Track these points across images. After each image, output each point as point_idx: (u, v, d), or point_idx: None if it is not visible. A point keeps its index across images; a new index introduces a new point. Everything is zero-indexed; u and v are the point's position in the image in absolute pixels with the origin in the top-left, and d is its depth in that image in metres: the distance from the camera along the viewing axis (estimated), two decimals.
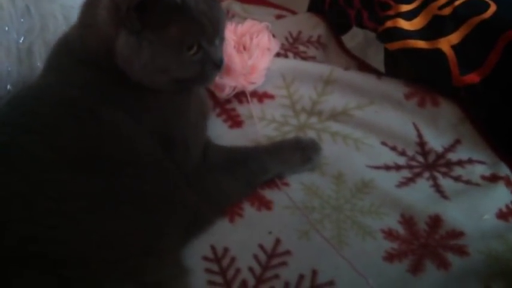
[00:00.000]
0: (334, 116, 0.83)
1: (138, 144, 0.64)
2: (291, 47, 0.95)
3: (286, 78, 0.87)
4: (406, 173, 0.77)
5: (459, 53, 0.79)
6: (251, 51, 0.84)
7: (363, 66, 0.93)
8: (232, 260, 0.66)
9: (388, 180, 0.75)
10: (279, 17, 1.05)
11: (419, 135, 0.80)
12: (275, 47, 0.89)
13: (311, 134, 0.81)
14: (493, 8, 0.79)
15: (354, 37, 1.05)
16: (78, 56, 0.66)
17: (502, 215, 0.71)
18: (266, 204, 0.72)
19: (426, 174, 0.76)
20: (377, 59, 1.01)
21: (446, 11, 0.80)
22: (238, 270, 0.65)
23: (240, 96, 0.84)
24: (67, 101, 0.63)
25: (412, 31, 0.82)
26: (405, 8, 0.83)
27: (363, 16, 0.93)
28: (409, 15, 0.83)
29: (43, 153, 0.58)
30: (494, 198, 0.73)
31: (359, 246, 0.68)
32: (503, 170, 0.76)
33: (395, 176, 0.76)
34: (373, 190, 0.74)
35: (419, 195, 0.74)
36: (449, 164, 0.77)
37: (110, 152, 0.61)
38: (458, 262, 0.65)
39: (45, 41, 0.83)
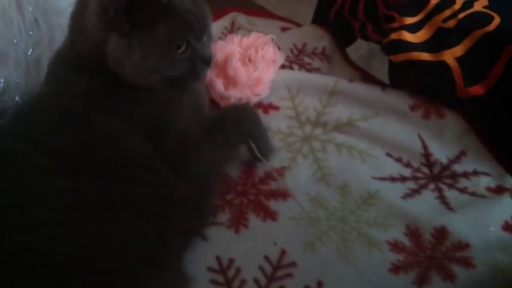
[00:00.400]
0: (339, 127, 0.83)
1: (131, 147, 0.64)
2: (296, 59, 0.95)
3: (291, 90, 0.88)
4: (411, 185, 0.77)
5: (463, 65, 0.79)
6: (256, 63, 0.85)
7: (368, 78, 0.94)
8: (238, 271, 0.66)
9: (393, 192, 0.75)
10: (284, 29, 1.06)
11: (425, 147, 0.80)
12: (280, 59, 0.90)
13: (316, 145, 0.81)
14: (497, 20, 0.79)
15: (358, 49, 1.06)
16: (72, 63, 0.67)
17: (507, 227, 0.71)
18: (271, 215, 0.72)
19: (431, 186, 0.76)
20: (381, 71, 1.01)
21: (451, 23, 0.81)
22: (243, 282, 0.65)
23: None
24: (61, 108, 0.63)
25: (417, 43, 0.82)
26: (409, 20, 0.83)
27: (368, 28, 0.94)
28: (414, 28, 0.83)
29: (40, 161, 0.58)
30: (500, 210, 0.73)
31: (365, 258, 0.68)
32: (509, 181, 0.76)
33: (400, 188, 0.76)
34: (379, 201, 0.74)
35: (425, 207, 0.74)
36: (455, 176, 0.77)
37: (105, 157, 0.61)
38: (464, 274, 0.65)
39: (53, 53, 0.85)
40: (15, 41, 0.82)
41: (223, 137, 0.72)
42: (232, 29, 1.05)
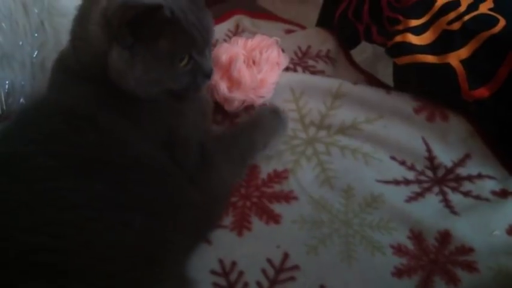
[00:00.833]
0: (343, 130, 0.83)
1: (137, 148, 0.64)
2: (300, 62, 0.95)
3: (295, 92, 0.87)
4: (415, 188, 0.76)
5: (468, 67, 0.79)
6: (260, 65, 0.85)
7: (372, 81, 0.93)
8: (240, 274, 0.66)
9: (397, 195, 0.75)
10: (288, 31, 1.06)
11: (429, 150, 0.80)
12: (284, 61, 0.90)
13: (320, 148, 0.81)
14: (502, 23, 0.79)
15: (363, 52, 1.05)
16: (73, 70, 0.67)
17: None
18: (274, 218, 0.72)
19: (435, 189, 0.76)
20: (386, 74, 1.01)
21: (456, 26, 0.80)
22: (246, 285, 0.65)
23: (249, 109, 0.85)
24: (66, 111, 0.64)
25: (421, 46, 0.82)
26: (414, 23, 0.83)
27: (372, 31, 0.93)
28: (418, 30, 0.83)
29: (45, 162, 0.58)
30: (505, 213, 0.72)
31: (368, 262, 0.67)
32: None
33: (404, 191, 0.76)
34: (382, 205, 0.74)
35: (429, 211, 0.73)
36: (459, 179, 0.77)
37: (112, 158, 0.62)
38: (468, 278, 0.65)
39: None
40: (21, 43, 0.83)
41: (242, 154, 0.74)
42: (237, 31, 1.05)
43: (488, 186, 0.76)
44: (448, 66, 0.80)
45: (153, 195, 0.62)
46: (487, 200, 0.74)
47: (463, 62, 0.79)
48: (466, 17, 0.80)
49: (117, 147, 0.63)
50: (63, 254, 0.54)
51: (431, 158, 0.80)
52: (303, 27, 1.08)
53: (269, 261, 0.67)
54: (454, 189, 0.76)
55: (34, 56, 0.85)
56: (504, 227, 0.70)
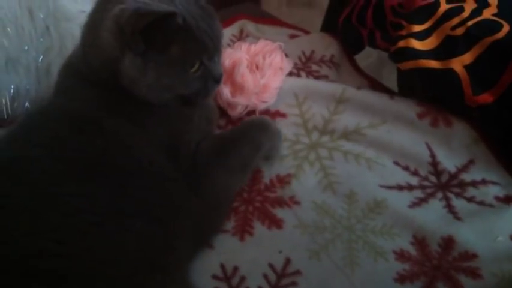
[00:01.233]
0: (346, 135, 0.83)
1: (142, 154, 0.64)
2: (303, 66, 0.95)
3: (298, 97, 0.88)
4: (418, 193, 0.76)
5: (472, 73, 0.79)
6: (264, 70, 0.85)
7: (376, 86, 0.93)
8: (242, 279, 0.66)
9: (400, 201, 0.75)
10: (292, 36, 1.06)
11: (432, 155, 0.80)
12: (288, 66, 0.90)
13: (323, 153, 0.81)
14: (506, 28, 0.78)
15: (368, 57, 1.05)
16: (83, 76, 0.68)
17: None
18: (277, 223, 0.72)
19: (439, 195, 0.76)
20: (391, 79, 1.01)
21: (459, 31, 0.80)
22: None
23: (252, 114, 0.85)
24: (72, 115, 0.64)
25: (425, 51, 0.82)
26: (417, 28, 0.83)
27: (376, 36, 0.93)
28: (422, 36, 0.83)
29: (50, 166, 0.59)
30: (509, 219, 0.71)
31: (370, 267, 0.67)
32: None
33: (407, 196, 0.75)
34: (385, 210, 0.73)
35: (432, 216, 0.73)
36: (463, 185, 0.76)
37: (116, 163, 0.62)
38: (471, 285, 0.65)
39: (63, 60, 0.86)
40: (26, 47, 0.84)
41: (241, 161, 0.73)
42: (241, 36, 1.06)
43: (492, 192, 0.75)
44: (451, 71, 0.80)
45: (155, 201, 0.62)
46: (490, 205, 0.74)
47: (466, 67, 0.79)
48: (470, 23, 0.80)
49: (121, 152, 0.63)
50: (65, 258, 0.54)
51: (435, 164, 0.79)
52: (307, 32, 1.09)
53: (271, 266, 0.67)
54: (457, 195, 0.76)
55: (39, 60, 0.86)
56: (508, 233, 0.70)
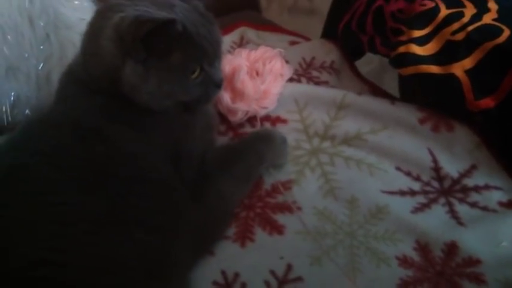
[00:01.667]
0: (348, 140, 0.83)
1: (143, 161, 0.64)
2: (304, 73, 0.95)
3: (299, 103, 0.87)
4: (421, 199, 0.75)
5: (473, 78, 0.78)
6: (264, 76, 0.85)
7: (377, 91, 0.93)
8: (243, 285, 0.65)
9: (402, 206, 0.74)
10: (292, 43, 1.06)
11: (435, 161, 0.79)
12: (288, 72, 0.90)
13: (324, 158, 0.80)
14: (506, 33, 0.78)
15: (369, 63, 1.05)
16: (83, 84, 0.68)
17: None
18: (278, 229, 0.71)
19: (442, 200, 0.75)
20: (393, 85, 1.01)
21: (460, 36, 0.80)
22: None
23: (253, 120, 0.85)
24: (72, 123, 0.64)
25: (425, 56, 0.82)
26: (418, 33, 0.83)
27: (376, 42, 0.93)
28: (422, 41, 0.83)
29: (49, 174, 0.59)
30: None
31: (373, 274, 0.66)
32: None
33: (410, 202, 0.75)
34: (388, 216, 0.73)
35: (435, 222, 0.72)
36: (465, 190, 0.76)
37: (116, 171, 0.62)
38: None
39: (63, 68, 0.86)
40: (26, 55, 0.84)
41: (245, 171, 0.73)
42: (241, 43, 1.06)
43: (495, 197, 0.75)
44: (452, 76, 0.80)
45: (156, 209, 0.62)
46: (494, 211, 0.73)
47: (467, 72, 0.79)
48: (470, 28, 0.80)
49: (121, 160, 0.63)
50: (63, 267, 0.53)
51: (437, 169, 0.79)
52: (307, 39, 1.09)
53: (272, 272, 0.66)
54: (460, 200, 0.75)
55: (39, 68, 0.86)
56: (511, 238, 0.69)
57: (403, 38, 0.84)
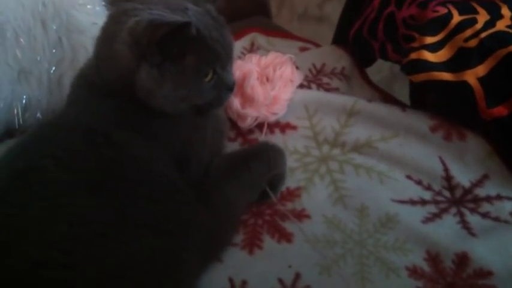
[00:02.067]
0: (358, 148, 0.82)
1: (153, 165, 0.64)
2: (314, 79, 0.95)
3: (309, 109, 0.87)
4: (432, 208, 0.74)
5: (486, 85, 0.77)
6: (274, 82, 0.85)
7: (387, 99, 0.92)
8: None
9: (413, 215, 0.73)
10: (303, 49, 1.06)
11: (446, 170, 0.78)
12: (298, 78, 0.90)
13: (334, 166, 0.80)
14: None
15: (380, 71, 1.05)
16: (95, 88, 0.68)
17: None
18: (286, 237, 0.71)
19: (453, 210, 0.74)
20: (403, 94, 1.00)
21: (472, 43, 0.79)
22: None
23: (262, 126, 0.84)
24: (83, 126, 0.64)
25: (437, 63, 0.81)
26: (430, 40, 0.82)
27: (387, 48, 0.93)
28: (434, 47, 0.82)
29: (58, 177, 0.59)
30: None
31: (382, 284, 0.65)
32: None
33: (420, 211, 0.74)
34: (398, 225, 0.72)
35: (446, 232, 0.71)
36: (477, 200, 0.75)
37: (125, 175, 0.62)
38: None
39: (75, 72, 0.86)
40: (39, 58, 0.84)
41: (251, 177, 0.72)
42: (252, 49, 1.06)
43: (507, 207, 0.73)
44: (465, 84, 0.79)
45: (165, 213, 0.62)
46: (506, 221, 0.72)
47: (480, 79, 0.78)
48: (483, 34, 0.79)
49: (131, 163, 0.63)
50: (72, 269, 0.53)
51: (448, 178, 0.78)
52: (317, 45, 1.08)
53: (280, 281, 0.65)
54: (472, 210, 0.74)
55: (51, 71, 0.87)
56: None
57: (415, 44, 0.83)
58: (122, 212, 0.59)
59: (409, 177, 0.78)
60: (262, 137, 0.83)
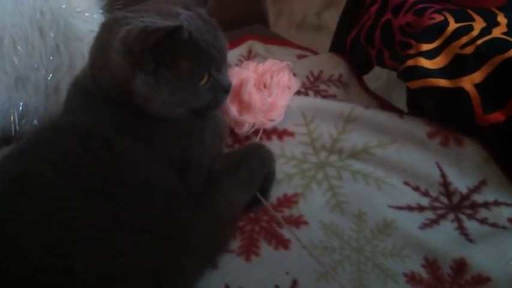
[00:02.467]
0: (355, 154, 0.82)
1: (151, 170, 0.64)
2: (311, 86, 0.95)
3: (306, 116, 0.87)
4: (429, 215, 0.74)
5: (482, 91, 0.78)
6: (271, 89, 0.85)
7: (385, 106, 0.93)
8: None
9: (411, 222, 0.73)
10: (300, 57, 1.06)
11: (443, 176, 0.78)
12: (295, 85, 0.90)
13: (331, 172, 0.80)
14: None
15: (378, 78, 1.05)
16: (91, 96, 0.68)
17: None
18: (283, 243, 0.70)
19: (450, 216, 0.74)
20: (401, 101, 1.00)
21: (468, 50, 0.80)
22: None
23: (259, 133, 0.84)
24: (80, 131, 0.64)
25: (434, 70, 0.81)
26: (426, 47, 0.83)
27: (384, 55, 0.93)
28: (431, 54, 0.82)
29: (55, 181, 0.58)
30: None
31: None
32: None
33: (418, 217, 0.74)
34: (395, 231, 0.71)
35: (444, 238, 0.71)
36: (475, 206, 0.75)
37: (123, 179, 0.62)
38: None
39: (72, 79, 0.87)
40: (36, 65, 0.85)
41: (250, 176, 0.73)
42: (249, 56, 1.06)
43: (505, 213, 0.73)
44: (461, 90, 0.79)
45: (163, 218, 0.62)
46: (504, 227, 0.72)
47: (477, 86, 0.78)
48: (479, 41, 0.79)
49: (129, 168, 0.63)
50: (70, 274, 0.53)
51: (446, 184, 0.78)
52: (315, 53, 1.09)
53: (277, 287, 0.65)
54: (469, 216, 0.74)
55: (49, 78, 0.87)
56: None
57: (412, 51, 0.84)
58: (119, 216, 0.58)
59: (406, 183, 0.78)
60: (256, 142, 0.83)
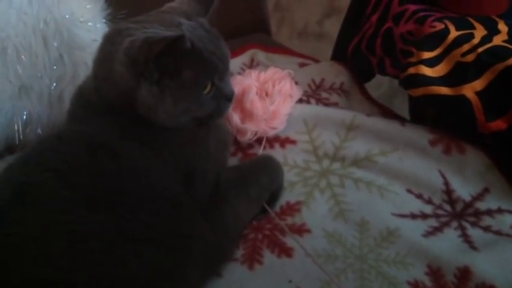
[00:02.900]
0: (357, 162, 0.82)
1: (155, 179, 0.64)
2: (313, 94, 0.96)
3: (308, 124, 0.87)
4: (433, 222, 0.74)
5: (484, 99, 0.78)
6: (273, 97, 0.85)
7: (386, 113, 0.93)
8: None
9: (414, 229, 0.73)
10: (302, 65, 1.06)
11: (446, 183, 0.78)
12: (297, 93, 0.90)
13: (333, 180, 0.80)
14: None
15: (379, 87, 1.05)
16: (95, 106, 0.68)
17: None
18: (287, 252, 0.70)
19: (454, 224, 0.74)
20: (403, 109, 1.01)
21: (470, 57, 0.80)
22: None
23: (262, 141, 0.85)
24: (85, 140, 0.64)
25: (435, 77, 0.82)
26: (427, 55, 0.83)
27: (385, 63, 0.94)
28: (432, 62, 0.82)
29: (58, 191, 0.58)
30: None
31: None
32: None
33: (421, 225, 0.74)
34: (399, 239, 0.71)
35: (447, 246, 0.71)
36: (478, 214, 0.75)
37: (127, 188, 0.61)
38: None
39: (75, 88, 0.87)
40: (40, 75, 0.85)
41: (259, 192, 0.73)
42: (251, 65, 1.07)
43: (508, 221, 0.73)
44: (463, 98, 0.79)
45: (167, 228, 0.61)
46: (508, 235, 0.71)
47: (478, 93, 0.78)
48: (480, 49, 0.80)
49: (133, 177, 0.63)
50: (71, 287, 0.53)
51: (449, 192, 0.78)
52: (317, 61, 1.09)
53: None
54: (473, 224, 0.74)
55: (52, 87, 0.87)
56: None
57: (413, 59, 0.84)
58: (122, 226, 0.58)
59: (409, 191, 0.78)
60: (260, 151, 0.84)
